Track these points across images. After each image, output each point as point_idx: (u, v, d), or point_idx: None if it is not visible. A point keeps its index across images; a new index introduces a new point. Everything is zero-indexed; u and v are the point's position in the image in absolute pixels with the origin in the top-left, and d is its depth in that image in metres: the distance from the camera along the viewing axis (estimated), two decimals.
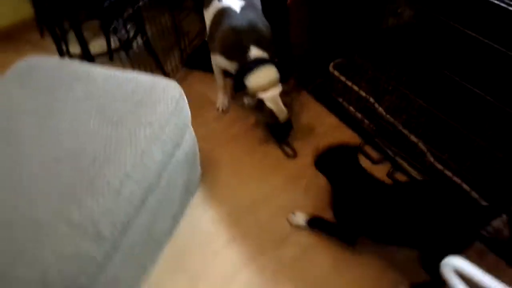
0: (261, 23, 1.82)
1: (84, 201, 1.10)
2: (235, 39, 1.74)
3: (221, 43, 1.80)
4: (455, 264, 0.87)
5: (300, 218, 1.58)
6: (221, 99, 2.09)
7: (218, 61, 1.88)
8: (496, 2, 1.14)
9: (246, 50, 1.74)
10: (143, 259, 1.39)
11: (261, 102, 1.75)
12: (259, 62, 1.73)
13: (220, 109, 2.08)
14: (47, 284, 0.98)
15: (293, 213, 1.61)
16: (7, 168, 1.18)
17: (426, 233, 1.26)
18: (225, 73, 1.99)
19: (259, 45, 1.75)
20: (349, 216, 1.42)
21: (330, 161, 1.43)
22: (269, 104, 1.74)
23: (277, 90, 1.75)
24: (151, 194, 1.33)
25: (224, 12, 1.80)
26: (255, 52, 1.74)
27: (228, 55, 1.80)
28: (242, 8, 1.81)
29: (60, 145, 1.22)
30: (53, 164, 1.18)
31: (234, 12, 1.79)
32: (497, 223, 1.44)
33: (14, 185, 1.13)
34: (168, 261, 1.52)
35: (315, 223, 1.55)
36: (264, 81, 1.74)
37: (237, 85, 1.79)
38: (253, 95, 1.75)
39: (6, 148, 1.22)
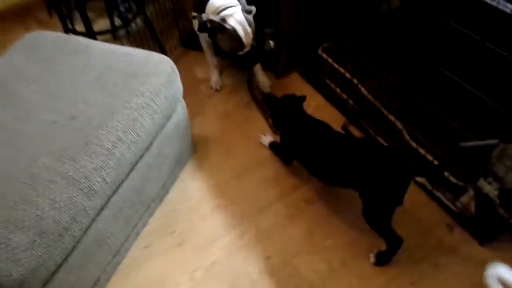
0: None
1: (79, 159, 1.22)
2: None
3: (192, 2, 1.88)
4: (499, 274, 0.87)
5: (267, 140, 1.87)
6: (214, 78, 2.19)
7: (194, 24, 1.81)
8: None
9: None
10: (132, 218, 1.51)
11: (218, 30, 1.70)
12: None
13: (214, 87, 2.19)
14: (44, 230, 1.11)
15: (264, 134, 1.89)
16: (10, 129, 1.30)
17: (360, 179, 1.41)
18: (216, 51, 2.10)
19: None
20: (288, 146, 1.70)
21: (277, 101, 1.72)
22: (230, 21, 1.67)
23: (237, 8, 1.70)
24: (141, 160, 1.45)
25: None
26: None
27: (195, 6, 1.82)
28: None
29: (59, 110, 1.34)
30: (52, 126, 1.30)
31: None
32: (464, 198, 1.54)
33: (16, 144, 1.26)
34: (158, 225, 1.65)
35: (273, 145, 1.84)
36: (218, 2, 1.71)
37: (201, 25, 1.73)
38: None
39: (11, 111, 1.35)
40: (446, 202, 1.59)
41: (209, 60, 2.15)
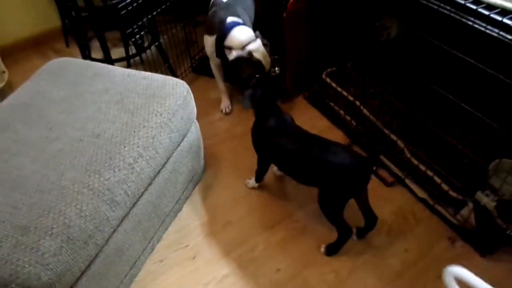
0: (241, 8, 2.08)
1: (103, 172, 1.31)
2: (215, 15, 2.03)
3: (206, 23, 2.10)
4: (456, 273, 0.94)
5: (252, 182, 1.89)
6: (224, 102, 2.32)
7: (207, 43, 2.10)
8: (464, 20, 1.34)
9: (223, 21, 1.98)
10: (148, 231, 1.59)
11: (244, 63, 1.92)
12: (234, 24, 1.96)
13: (224, 111, 2.30)
14: (70, 237, 1.19)
15: (249, 179, 1.90)
16: (40, 146, 1.40)
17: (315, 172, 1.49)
18: (225, 77, 2.26)
19: (234, 16, 2.00)
20: (259, 142, 1.71)
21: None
22: (256, 54, 1.90)
23: (258, 42, 1.95)
24: (158, 175, 1.55)
25: (214, 2, 2.15)
26: (231, 19, 1.98)
27: (210, 31, 2.04)
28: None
29: (84, 128, 1.45)
30: (78, 143, 1.40)
31: (221, 1, 2.10)
32: (464, 211, 1.62)
33: (46, 160, 1.36)
34: (172, 239, 1.72)
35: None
36: (242, 37, 1.93)
37: (219, 50, 2.01)
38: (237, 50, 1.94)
39: (40, 130, 1.46)
40: (448, 215, 1.67)
41: (220, 86, 2.29)
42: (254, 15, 2.25)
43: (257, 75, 1.92)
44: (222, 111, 2.32)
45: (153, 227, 1.62)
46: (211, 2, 2.20)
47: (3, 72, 2.24)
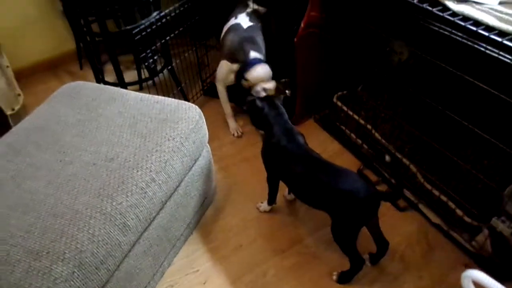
0: (260, 40, 2.24)
1: (116, 197, 1.32)
2: (238, 45, 2.15)
3: (228, 49, 2.20)
4: (474, 276, 0.95)
5: (265, 205, 1.88)
6: (232, 126, 2.35)
7: (223, 68, 2.23)
8: (476, 46, 1.34)
9: (247, 53, 2.12)
10: (159, 256, 1.58)
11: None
12: (257, 61, 2.13)
13: (235, 134, 2.32)
14: (82, 263, 1.18)
15: (261, 202, 1.89)
16: (54, 169, 1.42)
17: (326, 199, 1.49)
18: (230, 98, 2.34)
19: (257, 51, 2.16)
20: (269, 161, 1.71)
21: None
22: (270, 93, 2.07)
23: (273, 83, 2.13)
24: (170, 199, 1.54)
25: (235, 27, 2.23)
26: (253, 54, 2.13)
27: (232, 59, 2.17)
28: (249, 26, 2.22)
29: (98, 152, 1.46)
30: (91, 167, 1.41)
31: (242, 27, 2.22)
32: (480, 238, 1.59)
33: (59, 183, 1.37)
34: (183, 263, 1.71)
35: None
36: (262, 74, 2.11)
37: (238, 78, 2.17)
38: (250, 86, 2.13)
39: (55, 153, 1.47)
40: (463, 242, 1.64)
41: (226, 110, 2.35)
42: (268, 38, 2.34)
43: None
44: (233, 135, 2.33)
45: (164, 251, 1.61)
46: (229, 26, 2.27)
47: (18, 95, 2.28)
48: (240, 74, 2.15)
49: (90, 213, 1.27)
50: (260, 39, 2.23)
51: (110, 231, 1.26)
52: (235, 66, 2.17)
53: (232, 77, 2.21)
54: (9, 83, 2.28)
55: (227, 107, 2.35)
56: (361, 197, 1.41)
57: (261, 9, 2.37)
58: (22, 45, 2.84)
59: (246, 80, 2.12)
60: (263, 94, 2.08)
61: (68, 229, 1.23)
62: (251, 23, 2.26)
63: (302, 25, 1.98)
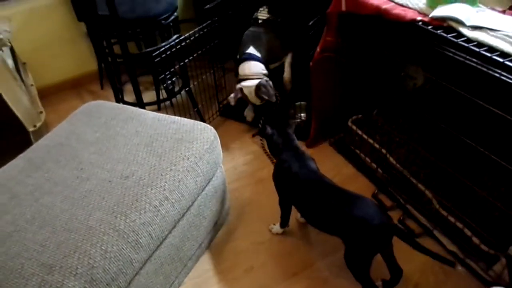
0: (266, 38, 2.43)
1: (129, 214, 1.33)
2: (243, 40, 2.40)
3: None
4: None
5: (277, 227, 1.87)
6: (248, 111, 2.57)
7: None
8: (491, 72, 1.34)
9: (246, 48, 2.35)
10: (170, 275, 1.58)
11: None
12: (249, 56, 2.32)
13: (248, 119, 2.55)
14: (94, 279, 1.20)
15: (273, 224, 1.88)
16: (72, 186, 1.45)
17: (341, 226, 1.48)
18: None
19: (257, 48, 2.36)
20: (281, 187, 1.73)
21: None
22: (245, 91, 2.30)
23: (254, 83, 2.29)
24: (183, 218, 1.56)
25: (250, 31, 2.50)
26: (251, 50, 2.34)
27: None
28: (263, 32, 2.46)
29: (114, 170, 1.49)
30: (107, 184, 1.44)
31: (258, 32, 2.45)
32: (497, 267, 1.55)
33: (75, 199, 1.40)
34: (193, 283, 1.71)
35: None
36: (248, 71, 2.31)
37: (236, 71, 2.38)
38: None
39: (73, 169, 1.51)
40: (479, 271, 1.60)
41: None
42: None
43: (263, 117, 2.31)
44: (246, 119, 2.58)
45: (175, 270, 1.61)
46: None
47: (41, 112, 2.36)
48: (237, 67, 2.35)
49: (104, 229, 1.29)
50: (265, 37, 2.40)
51: (122, 248, 1.27)
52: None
53: None
54: (32, 101, 2.36)
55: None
56: (374, 225, 1.40)
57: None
58: (46, 65, 2.96)
59: (238, 73, 2.33)
60: (237, 96, 2.33)
61: (81, 244, 1.25)
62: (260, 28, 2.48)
63: (318, 49, 2.01)
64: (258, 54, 2.36)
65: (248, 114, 2.58)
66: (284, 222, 1.83)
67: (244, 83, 2.32)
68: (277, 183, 1.74)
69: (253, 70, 2.32)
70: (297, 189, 1.61)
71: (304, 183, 1.59)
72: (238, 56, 2.41)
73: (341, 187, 1.56)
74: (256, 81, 2.29)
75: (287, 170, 1.64)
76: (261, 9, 2.67)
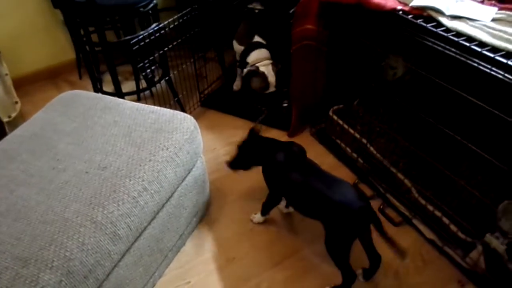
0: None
1: (107, 205, 1.31)
2: (245, 29, 2.53)
3: (237, 32, 2.57)
4: None
5: (258, 216, 1.87)
6: (237, 81, 2.72)
7: (234, 46, 2.59)
8: (469, 62, 1.35)
9: (251, 37, 2.47)
10: (150, 266, 1.56)
11: (252, 74, 2.42)
12: (257, 45, 2.45)
13: (235, 88, 2.69)
14: (71, 271, 1.17)
15: (254, 213, 1.88)
16: (47, 177, 1.41)
17: (322, 210, 1.49)
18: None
19: (261, 36, 2.50)
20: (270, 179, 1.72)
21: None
22: (262, 69, 2.39)
23: (268, 62, 2.44)
24: (162, 209, 1.54)
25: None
26: (257, 38, 2.47)
27: (239, 40, 2.53)
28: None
29: (91, 160, 1.46)
30: (84, 175, 1.41)
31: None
32: (474, 254, 1.58)
33: (51, 191, 1.36)
34: (174, 274, 1.69)
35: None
36: (259, 56, 2.43)
37: (241, 62, 2.50)
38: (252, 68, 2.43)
39: (49, 160, 1.47)
40: (457, 258, 1.63)
41: (238, 71, 2.67)
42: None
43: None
44: (233, 88, 2.73)
45: (155, 262, 1.60)
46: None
47: (16, 102, 2.29)
48: (243, 58, 2.48)
49: (81, 221, 1.26)
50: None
51: (100, 240, 1.25)
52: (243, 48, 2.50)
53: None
54: (7, 91, 2.29)
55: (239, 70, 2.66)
56: (353, 209, 1.41)
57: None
58: (22, 54, 2.87)
59: (248, 63, 2.45)
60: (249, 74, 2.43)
61: (57, 236, 1.22)
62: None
63: (294, 36, 1.99)
64: (264, 42, 2.50)
65: (236, 84, 2.73)
66: (265, 211, 1.83)
67: (259, 64, 2.43)
68: (267, 176, 1.73)
69: (265, 55, 2.46)
70: (284, 177, 1.61)
71: (290, 167, 1.60)
72: (238, 44, 2.54)
73: (322, 170, 1.58)
74: (269, 61, 2.44)
75: (278, 165, 1.64)
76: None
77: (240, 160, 1.78)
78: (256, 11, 2.62)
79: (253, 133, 1.76)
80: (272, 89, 2.47)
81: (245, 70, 2.45)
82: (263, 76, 2.40)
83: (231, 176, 2.14)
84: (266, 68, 2.41)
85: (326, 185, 1.49)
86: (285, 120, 2.38)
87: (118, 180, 1.39)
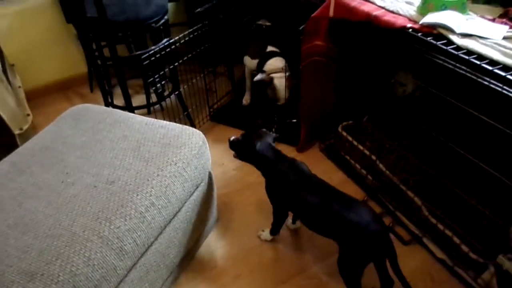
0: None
1: (114, 220, 1.31)
2: (257, 44, 2.56)
3: (249, 49, 2.60)
4: None
5: (266, 233, 1.84)
6: (246, 96, 2.71)
7: (246, 62, 2.62)
8: (480, 80, 1.34)
9: (264, 48, 2.49)
10: (156, 282, 1.55)
11: (265, 85, 2.44)
12: (272, 54, 2.46)
13: (245, 103, 2.67)
14: (76, 286, 1.17)
15: (262, 230, 1.85)
16: (55, 190, 1.42)
17: (338, 230, 1.47)
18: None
19: (274, 46, 2.52)
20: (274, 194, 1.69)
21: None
22: (276, 81, 2.40)
23: (283, 75, 2.41)
24: (170, 224, 1.53)
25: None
26: (270, 48, 2.49)
27: (252, 55, 2.55)
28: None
29: (99, 174, 1.46)
30: (92, 189, 1.41)
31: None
32: (486, 275, 1.54)
33: (59, 204, 1.37)
34: None
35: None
36: (276, 65, 2.42)
37: (259, 68, 2.49)
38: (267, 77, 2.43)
39: (58, 173, 1.48)
40: (468, 279, 1.59)
41: (247, 84, 2.71)
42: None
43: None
44: (242, 103, 2.71)
45: (161, 278, 1.58)
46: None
47: (28, 115, 2.32)
48: (260, 67, 2.48)
49: (87, 236, 1.26)
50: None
51: (106, 255, 1.25)
52: (256, 62, 2.51)
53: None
54: (19, 104, 2.32)
55: (248, 81, 2.70)
56: (369, 232, 1.40)
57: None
58: (35, 67, 2.92)
59: (264, 72, 2.44)
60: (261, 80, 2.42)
61: (64, 251, 1.22)
62: None
63: (303, 52, 2.00)
64: (278, 50, 2.52)
65: (246, 98, 2.72)
66: (275, 230, 1.81)
67: (274, 75, 2.42)
68: (273, 194, 1.70)
69: (281, 64, 2.44)
70: (296, 196, 1.58)
71: (303, 189, 1.57)
72: (251, 59, 2.56)
73: (338, 190, 1.56)
74: (283, 74, 2.42)
75: (284, 180, 1.61)
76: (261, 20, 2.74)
77: (239, 150, 1.73)
78: (264, 27, 2.65)
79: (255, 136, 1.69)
80: (281, 101, 2.48)
81: (257, 77, 2.44)
82: (274, 88, 2.43)
83: (239, 191, 2.13)
84: (279, 81, 2.40)
85: (343, 204, 1.47)
86: (294, 135, 2.37)
87: (126, 194, 1.39)
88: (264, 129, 1.74)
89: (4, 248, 1.24)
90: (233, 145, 1.72)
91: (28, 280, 1.15)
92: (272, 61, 2.44)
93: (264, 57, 2.47)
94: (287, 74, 2.40)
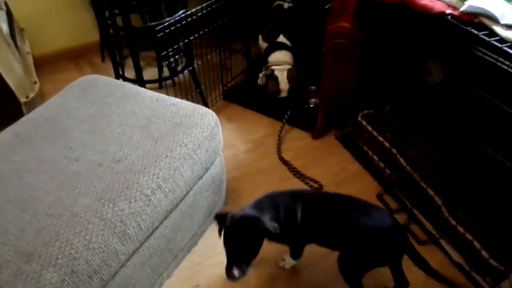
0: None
1: (118, 202, 1.23)
2: (272, 26, 2.51)
3: (264, 28, 2.57)
4: None
5: (289, 260, 1.63)
6: (262, 76, 2.52)
7: (259, 41, 2.59)
8: None
9: (276, 35, 2.45)
10: (159, 267, 1.49)
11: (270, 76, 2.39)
12: (281, 46, 2.42)
13: (260, 82, 2.50)
14: (75, 270, 1.10)
15: (283, 259, 1.65)
16: (59, 166, 1.35)
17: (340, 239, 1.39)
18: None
19: (287, 37, 2.45)
20: None
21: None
22: (277, 73, 2.36)
23: (286, 67, 2.38)
24: (176, 208, 1.46)
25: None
26: (281, 38, 2.43)
27: (264, 37, 2.53)
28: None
29: (105, 152, 1.39)
30: (97, 167, 1.34)
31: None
32: (505, 284, 1.46)
33: (61, 181, 1.30)
34: (183, 276, 1.62)
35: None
36: (280, 59, 2.40)
37: (264, 57, 2.48)
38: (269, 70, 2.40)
39: (61, 148, 1.41)
40: (485, 286, 1.51)
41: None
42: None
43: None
44: (257, 82, 2.51)
45: (164, 262, 1.52)
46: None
47: (35, 82, 2.24)
48: (265, 56, 2.46)
49: (89, 217, 1.19)
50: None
51: (108, 238, 1.18)
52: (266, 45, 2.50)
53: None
54: (27, 70, 2.24)
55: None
56: (393, 237, 1.34)
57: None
58: (45, 32, 2.82)
59: (268, 62, 2.42)
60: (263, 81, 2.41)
61: (64, 232, 1.15)
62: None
63: (328, 33, 1.88)
64: (289, 43, 2.45)
65: (261, 78, 2.49)
66: (296, 254, 1.61)
67: (275, 67, 2.39)
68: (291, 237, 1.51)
69: (284, 59, 2.41)
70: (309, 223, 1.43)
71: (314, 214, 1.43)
72: (262, 40, 2.54)
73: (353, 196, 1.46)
74: (287, 66, 2.39)
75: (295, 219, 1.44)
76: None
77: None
78: (285, 8, 2.52)
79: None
80: (283, 94, 2.43)
81: (260, 75, 2.43)
82: (276, 80, 2.38)
83: (249, 176, 2.05)
84: (281, 73, 2.37)
85: (362, 210, 1.40)
86: (310, 120, 2.27)
87: (132, 175, 1.31)
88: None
89: (2, 225, 1.18)
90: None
91: (25, 261, 1.09)
92: (277, 53, 2.42)
93: (272, 47, 2.44)
94: (289, 67, 2.38)
